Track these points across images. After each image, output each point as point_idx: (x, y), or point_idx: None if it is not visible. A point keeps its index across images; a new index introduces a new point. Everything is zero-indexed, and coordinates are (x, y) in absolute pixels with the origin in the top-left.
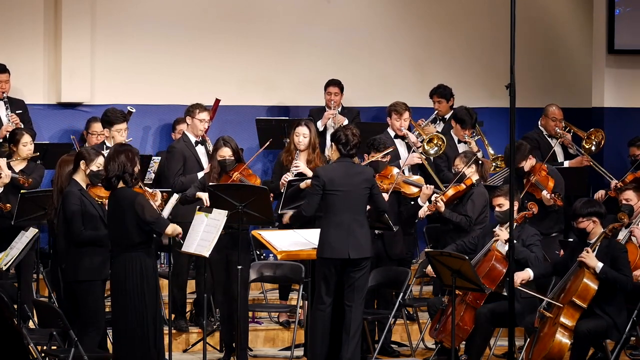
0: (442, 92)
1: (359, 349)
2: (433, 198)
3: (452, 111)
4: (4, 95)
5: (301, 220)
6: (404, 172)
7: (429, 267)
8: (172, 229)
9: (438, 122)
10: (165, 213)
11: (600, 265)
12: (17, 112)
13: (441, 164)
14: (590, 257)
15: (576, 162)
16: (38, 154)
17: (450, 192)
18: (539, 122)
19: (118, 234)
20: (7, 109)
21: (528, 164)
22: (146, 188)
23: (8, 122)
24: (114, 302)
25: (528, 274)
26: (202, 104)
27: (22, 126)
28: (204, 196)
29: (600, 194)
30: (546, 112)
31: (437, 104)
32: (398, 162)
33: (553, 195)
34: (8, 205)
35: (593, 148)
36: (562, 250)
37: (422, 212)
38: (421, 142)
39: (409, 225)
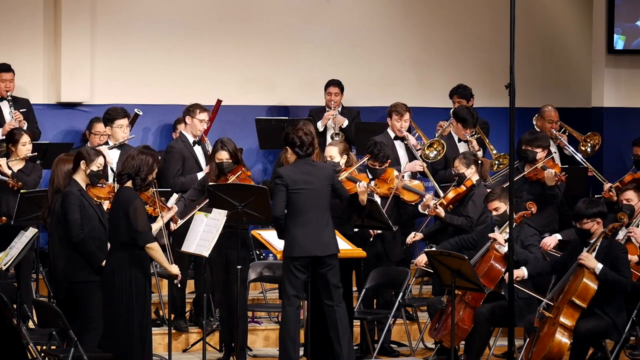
0: (462, 93)
1: (352, 345)
2: (432, 203)
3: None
4: (8, 94)
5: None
6: (403, 177)
7: (419, 259)
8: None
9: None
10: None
11: (600, 266)
12: (21, 110)
13: (437, 165)
14: (589, 259)
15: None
16: (36, 153)
17: (451, 194)
18: (534, 123)
19: (113, 231)
20: (10, 107)
21: (542, 154)
22: (160, 199)
23: (11, 119)
24: (103, 298)
25: (522, 272)
26: (202, 104)
27: (26, 124)
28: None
29: (607, 187)
30: (542, 113)
31: (457, 104)
32: (399, 167)
33: (559, 174)
34: (3, 218)
35: (588, 150)
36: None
37: (410, 239)
38: (422, 146)
39: (408, 225)
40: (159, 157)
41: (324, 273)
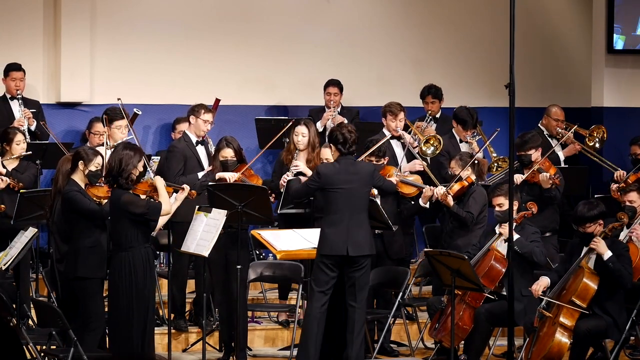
0: (435, 93)
1: (363, 346)
2: (442, 191)
3: (440, 111)
4: (18, 93)
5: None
6: (400, 171)
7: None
8: (167, 206)
9: (431, 122)
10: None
11: (609, 253)
12: (31, 110)
13: (444, 162)
14: (601, 244)
15: (570, 150)
16: (31, 152)
17: (457, 187)
18: (541, 122)
19: (113, 234)
20: (20, 105)
21: (536, 154)
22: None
23: (21, 116)
24: (108, 301)
25: (546, 281)
26: (206, 105)
27: (35, 123)
28: (228, 175)
29: (615, 187)
30: (548, 112)
31: (430, 104)
32: (399, 167)
33: (553, 176)
34: (2, 206)
35: (597, 145)
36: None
37: (424, 201)
38: (418, 143)
39: (407, 225)
40: (142, 150)
41: (354, 273)
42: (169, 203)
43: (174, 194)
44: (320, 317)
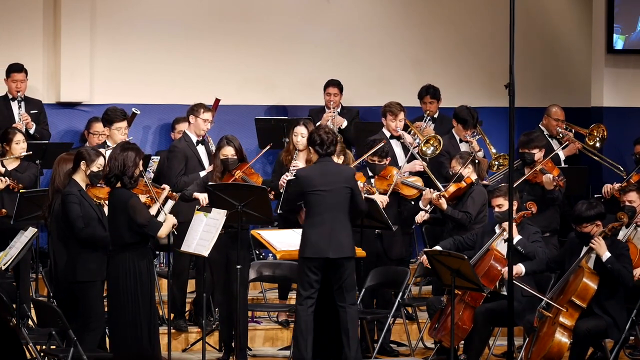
0: (433, 93)
1: (359, 346)
2: (435, 195)
3: (438, 111)
4: (19, 94)
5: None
6: (403, 174)
7: (424, 257)
8: (166, 230)
9: (430, 122)
10: (166, 209)
11: (608, 254)
12: (32, 111)
13: (445, 161)
14: (601, 245)
15: (570, 150)
16: (31, 152)
17: (452, 188)
18: (541, 122)
19: (114, 234)
20: (19, 107)
21: (539, 154)
22: (152, 185)
23: (19, 120)
24: (109, 301)
25: (520, 269)
26: (206, 104)
27: (34, 125)
28: (201, 197)
29: (607, 188)
30: (549, 112)
31: (428, 104)
32: (397, 166)
33: (557, 178)
34: (4, 210)
35: (597, 144)
36: None
37: (420, 218)
38: (418, 143)
39: (407, 225)
40: (141, 150)
41: (339, 275)
42: (168, 232)
43: (169, 200)
44: (307, 319)
